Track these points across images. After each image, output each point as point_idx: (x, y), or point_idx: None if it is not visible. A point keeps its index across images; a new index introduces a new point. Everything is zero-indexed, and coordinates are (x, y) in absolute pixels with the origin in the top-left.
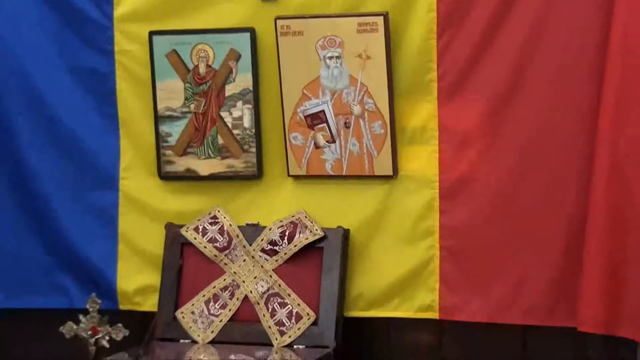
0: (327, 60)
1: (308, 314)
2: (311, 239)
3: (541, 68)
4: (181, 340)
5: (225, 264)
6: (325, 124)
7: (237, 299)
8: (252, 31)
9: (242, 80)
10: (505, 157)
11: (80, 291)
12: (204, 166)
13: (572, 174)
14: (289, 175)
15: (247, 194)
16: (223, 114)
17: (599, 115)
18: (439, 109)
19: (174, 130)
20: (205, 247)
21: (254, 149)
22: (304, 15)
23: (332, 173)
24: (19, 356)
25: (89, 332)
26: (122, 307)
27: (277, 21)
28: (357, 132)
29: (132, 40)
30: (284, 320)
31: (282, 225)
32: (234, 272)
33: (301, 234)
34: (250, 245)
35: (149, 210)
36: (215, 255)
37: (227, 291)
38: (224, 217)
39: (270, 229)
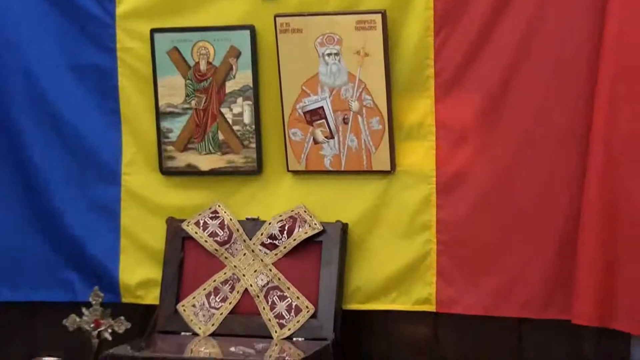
0: (326, 57)
1: (307, 307)
2: (310, 233)
3: (536, 65)
4: (182, 333)
5: (226, 257)
6: (324, 120)
7: (238, 292)
8: (252, 29)
9: (242, 77)
10: (501, 152)
11: (83, 285)
12: (205, 161)
13: (567, 170)
14: (288, 171)
15: (247, 189)
16: (223, 110)
17: (594, 113)
18: (436, 105)
19: (175, 126)
20: (206, 241)
21: (253, 145)
22: (303, 13)
23: (330, 168)
24: (23, 348)
25: (92, 325)
26: (124, 300)
27: (277, 19)
28: (355, 128)
29: (134, 37)
30: (283, 313)
31: (282, 220)
32: (234, 266)
33: (300, 228)
34: (250, 239)
35: (150, 205)
36: (216, 249)
37: (227, 284)
38: (225, 212)
39: (269, 224)
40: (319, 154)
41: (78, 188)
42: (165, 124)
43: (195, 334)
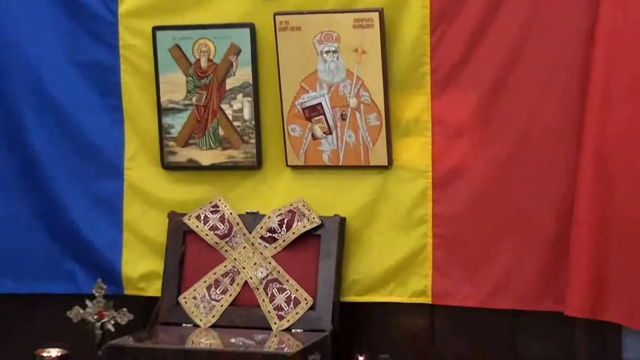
0: (324, 55)
1: (306, 299)
2: (309, 226)
3: (531, 63)
4: (183, 325)
5: (226, 251)
6: (322, 116)
7: (238, 285)
8: (251, 26)
9: (242, 74)
10: (495, 148)
11: (86, 277)
12: (206, 157)
13: (560, 166)
14: (287, 166)
15: (247, 184)
16: (224, 106)
17: (586, 111)
18: (432, 102)
19: (177, 122)
20: (206, 234)
21: (253, 140)
22: (301, 11)
23: (329, 163)
24: (27, 340)
25: (95, 317)
26: (127, 292)
27: (276, 17)
28: (353, 124)
29: (136, 35)
30: (282, 305)
31: (281, 214)
32: (235, 259)
33: (299, 222)
34: (250, 232)
35: (152, 199)
36: (217, 243)
37: (227, 277)
38: (225, 206)
39: (269, 217)
40: (317, 150)
41: (81, 183)
42: (167, 120)
43: (196, 326)
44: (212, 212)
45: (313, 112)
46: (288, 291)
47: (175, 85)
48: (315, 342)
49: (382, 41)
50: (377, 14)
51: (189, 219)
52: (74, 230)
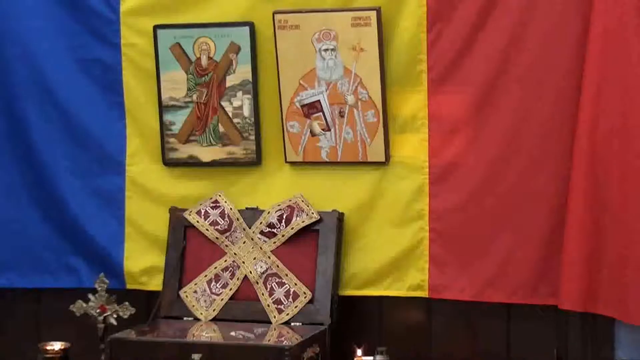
0: (323, 53)
1: (304, 293)
2: (307, 221)
3: (525, 61)
4: (184, 318)
5: (226, 245)
6: (320, 113)
7: (238, 279)
8: (251, 25)
9: (241, 72)
10: (491, 144)
11: (89, 271)
12: (206, 153)
13: (554, 161)
14: (286, 162)
15: (246, 179)
16: (224, 103)
17: (579, 108)
18: (429, 99)
19: (178, 119)
20: (207, 229)
21: (253, 137)
22: (300, 10)
23: (327, 159)
24: (31, 333)
25: (98, 310)
26: (128, 286)
27: (275, 15)
28: (351, 120)
29: (138, 33)
30: (281, 298)
31: (280, 209)
32: (235, 254)
33: (298, 217)
34: (250, 227)
35: (154, 194)
36: (217, 238)
37: (227, 271)
38: (225, 202)
39: (268, 213)
40: (316, 146)
41: (84, 179)
42: (168, 117)
43: (196, 319)
44: (212, 207)
45: (312, 109)
46: (287, 285)
47: (176, 82)
48: (314, 335)
49: (380, 39)
50: (374, 12)
51: (189, 215)
52: (76, 225)
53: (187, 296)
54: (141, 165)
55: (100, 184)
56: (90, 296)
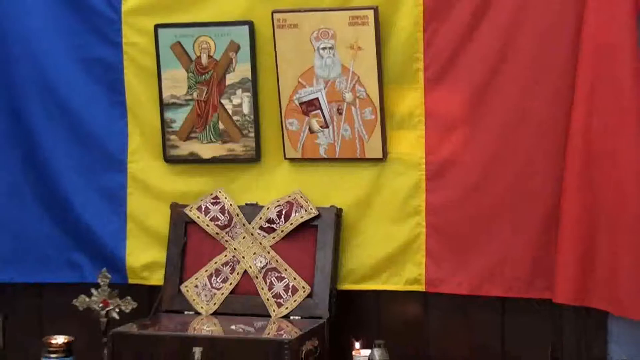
0: (321, 51)
1: (303, 287)
2: (306, 217)
3: (520, 59)
4: (185, 312)
5: (226, 241)
6: (319, 111)
7: (238, 274)
8: (250, 24)
9: (241, 70)
10: (486, 141)
11: (91, 267)
12: (206, 150)
13: (548, 158)
14: (285, 158)
15: (246, 176)
16: (224, 101)
17: (573, 106)
18: (425, 97)
19: (178, 117)
20: (207, 225)
21: (252, 134)
22: (299, 9)
23: (325, 156)
24: (34, 328)
25: (100, 305)
26: (130, 281)
27: (274, 14)
28: (349, 118)
29: (139, 32)
30: (281, 293)
31: (279, 205)
32: (235, 249)
33: (297, 213)
34: (250, 223)
35: (155, 191)
36: (217, 233)
37: (228, 266)
38: (225, 198)
39: (268, 208)
40: (314, 143)
41: (86, 175)
42: (169, 115)
43: (197, 313)
44: (212, 203)
45: (310, 106)
46: (286, 279)
47: (176, 81)
48: (313, 329)
49: (377, 38)
50: (372, 11)
51: (190, 210)
52: (79, 221)
53: (188, 290)
54: (142, 163)
55: (102, 181)
56: (93, 291)
